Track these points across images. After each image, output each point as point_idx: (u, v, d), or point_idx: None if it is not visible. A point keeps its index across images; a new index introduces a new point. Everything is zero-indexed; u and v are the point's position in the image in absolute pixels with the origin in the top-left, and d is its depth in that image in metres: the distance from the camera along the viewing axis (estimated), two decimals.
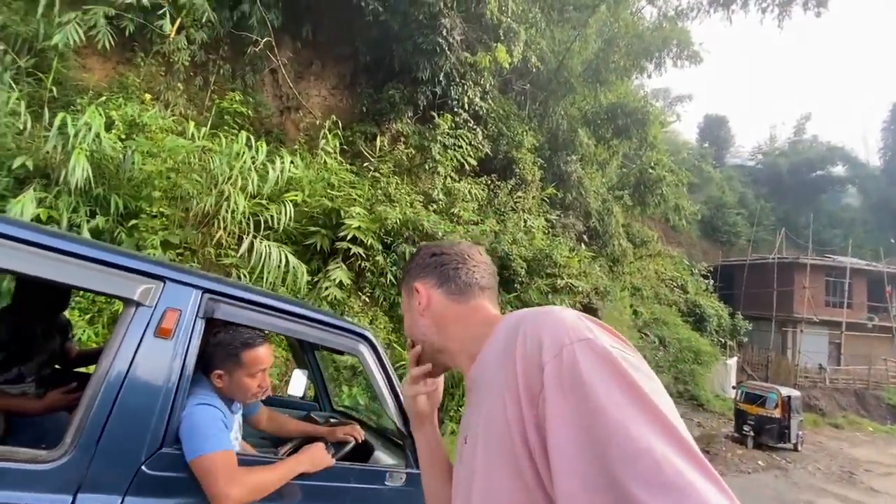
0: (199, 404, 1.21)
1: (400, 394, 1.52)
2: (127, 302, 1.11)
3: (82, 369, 2.10)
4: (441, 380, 0.88)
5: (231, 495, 1.09)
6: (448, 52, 7.18)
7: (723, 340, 17.57)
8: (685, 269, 19.19)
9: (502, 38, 7.97)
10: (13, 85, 4.55)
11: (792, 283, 20.40)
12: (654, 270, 16.57)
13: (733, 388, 12.94)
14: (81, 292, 3.56)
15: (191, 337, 1.17)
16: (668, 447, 0.43)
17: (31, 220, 3.44)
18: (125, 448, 1.03)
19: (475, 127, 8.32)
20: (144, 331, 1.11)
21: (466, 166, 7.99)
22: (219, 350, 1.33)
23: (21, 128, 4.27)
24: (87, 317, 3.79)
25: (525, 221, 9.06)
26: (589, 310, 10.47)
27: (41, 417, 1.57)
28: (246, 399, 1.40)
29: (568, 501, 0.45)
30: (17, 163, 3.88)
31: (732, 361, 16.21)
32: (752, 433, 9.83)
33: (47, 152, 4.07)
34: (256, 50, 6.61)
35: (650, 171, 13.39)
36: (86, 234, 3.76)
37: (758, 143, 48.38)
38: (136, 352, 1.09)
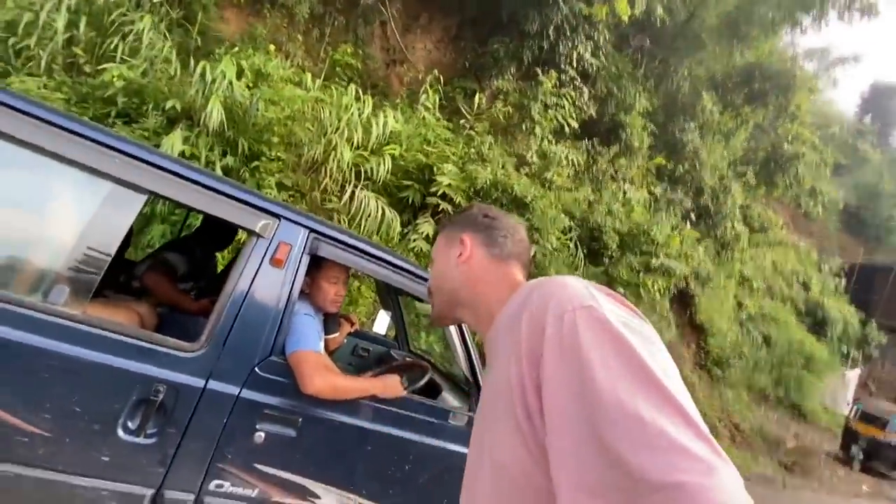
0: (301, 314, 1.44)
1: (458, 352, 1.64)
2: (250, 233, 1.32)
3: None
4: None
5: (315, 383, 1.30)
6: (561, 3, 6.70)
7: (846, 350, 15.29)
8: (812, 263, 16.69)
9: None
10: (167, 35, 5.21)
11: None
12: (771, 261, 14.67)
13: (848, 403, 11.41)
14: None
15: (297, 268, 1.36)
16: (656, 409, 0.43)
17: (179, 156, 4.05)
18: (244, 351, 1.27)
19: (582, 86, 7.79)
20: (262, 259, 1.31)
21: (567, 128, 7.60)
22: None
23: (172, 73, 4.91)
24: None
25: (624, 192, 8.48)
26: (684, 295, 9.70)
27: (185, 321, 1.96)
28: (326, 304, 1.61)
29: (559, 458, 0.47)
30: (168, 105, 4.50)
31: (853, 374, 14.14)
32: (860, 455, 8.68)
33: (191, 97, 4.65)
34: (369, 2, 6.75)
35: (785, 145, 11.57)
36: (218, 171, 4.34)
37: None
38: (254, 276, 1.30)
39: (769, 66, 10.30)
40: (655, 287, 7.84)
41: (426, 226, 5.47)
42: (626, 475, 0.41)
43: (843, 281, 17.30)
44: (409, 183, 5.67)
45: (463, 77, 8.01)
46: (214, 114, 4.38)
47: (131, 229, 1.52)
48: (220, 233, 2.29)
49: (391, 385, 1.46)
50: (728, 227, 11.10)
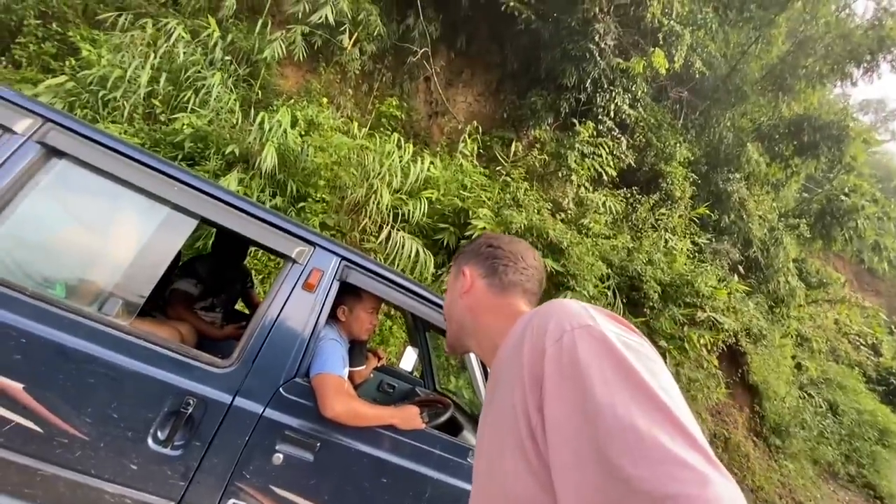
0: (329, 339, 1.47)
1: (479, 384, 1.61)
2: (286, 258, 1.41)
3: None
4: None
5: (335, 406, 1.32)
6: (598, 58, 6.93)
7: None
8: (881, 325, 15.24)
9: (662, 42, 7.39)
10: (233, 89, 5.79)
11: None
12: (833, 320, 13.53)
13: None
14: (258, 254, 4.43)
15: (328, 293, 1.42)
16: (654, 422, 0.44)
17: None
18: (271, 371, 1.32)
19: (620, 136, 7.86)
20: (295, 283, 1.39)
21: (604, 176, 7.61)
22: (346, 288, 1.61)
23: (234, 122, 5.40)
24: (260, 277, 4.68)
25: (666, 241, 8.24)
26: (735, 352, 9.05)
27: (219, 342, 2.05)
28: (360, 333, 1.66)
29: (561, 473, 0.48)
30: (228, 149, 4.91)
31: None
32: None
33: (249, 143, 5.08)
34: (415, 60, 7.26)
35: (842, 198, 11.00)
36: None
37: None
38: (287, 299, 1.37)
39: (818, 117, 10.02)
40: (701, 342, 7.39)
41: None
42: (625, 488, 0.41)
43: None
44: (445, 226, 5.80)
45: (501, 127, 8.30)
46: (269, 159, 4.75)
47: (179, 253, 1.64)
48: (234, 246, 2.33)
49: (410, 416, 1.46)
50: (781, 282, 10.44)
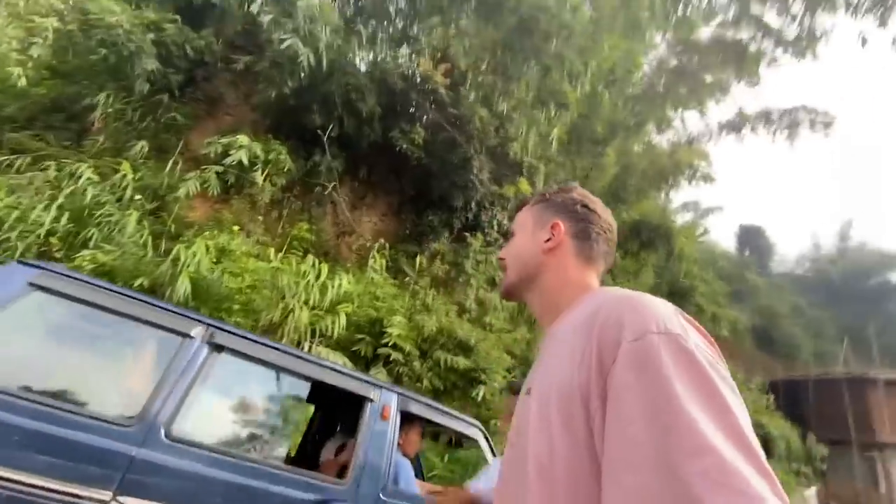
0: (403, 462, 2.07)
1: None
2: (366, 399, 1.98)
3: None
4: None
5: None
6: (479, 186, 8.51)
7: (796, 468, 15.55)
8: (740, 383, 17.92)
9: (525, 172, 9.35)
10: (142, 222, 5.95)
11: (866, 401, 18.40)
12: None
13: None
14: None
15: (396, 421, 2.01)
16: (738, 451, 0.42)
17: None
18: (372, 484, 1.83)
19: (505, 243, 9.26)
20: (376, 417, 1.96)
21: (496, 279, 8.79)
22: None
23: (142, 255, 5.48)
24: None
25: None
26: None
27: None
28: (410, 452, 2.26)
29: (616, 469, 0.46)
30: (136, 282, 4.96)
31: (811, 492, 14.19)
32: None
33: (161, 273, 5.18)
34: (324, 193, 8.15)
35: (682, 280, 13.73)
36: None
37: (802, 252, 47.33)
38: (372, 430, 1.93)
39: (650, 220, 12.89)
40: None
41: (379, 377, 5.82)
42: None
43: (772, 396, 18.43)
44: (362, 336, 6.17)
45: (405, 242, 9.30)
46: (182, 289, 4.89)
47: None
48: None
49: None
50: None
